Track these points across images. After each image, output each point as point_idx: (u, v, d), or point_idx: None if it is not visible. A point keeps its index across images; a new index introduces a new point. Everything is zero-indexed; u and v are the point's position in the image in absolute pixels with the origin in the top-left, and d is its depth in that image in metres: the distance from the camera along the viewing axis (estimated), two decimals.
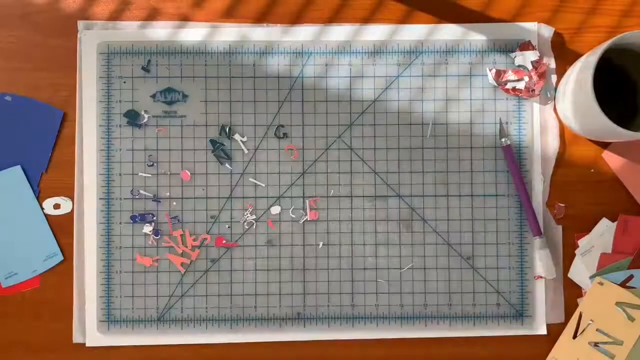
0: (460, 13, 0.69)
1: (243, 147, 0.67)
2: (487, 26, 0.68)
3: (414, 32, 0.68)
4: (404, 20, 0.68)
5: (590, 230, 0.67)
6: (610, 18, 0.69)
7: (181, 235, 0.67)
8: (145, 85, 0.67)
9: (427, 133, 0.67)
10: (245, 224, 0.67)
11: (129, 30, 0.68)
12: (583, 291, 0.67)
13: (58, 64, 0.67)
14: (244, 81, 0.67)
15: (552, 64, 0.68)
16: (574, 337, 0.65)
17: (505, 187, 0.68)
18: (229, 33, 0.68)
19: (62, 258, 0.67)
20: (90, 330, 0.66)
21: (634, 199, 0.68)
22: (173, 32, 0.68)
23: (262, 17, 0.68)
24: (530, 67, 0.67)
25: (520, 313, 0.67)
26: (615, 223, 0.67)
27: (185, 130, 0.67)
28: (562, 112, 0.66)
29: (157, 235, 0.67)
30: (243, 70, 0.67)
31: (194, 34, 0.68)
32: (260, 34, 0.68)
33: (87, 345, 0.66)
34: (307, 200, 0.67)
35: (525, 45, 0.68)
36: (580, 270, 0.67)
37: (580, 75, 0.61)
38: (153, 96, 0.67)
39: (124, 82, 0.67)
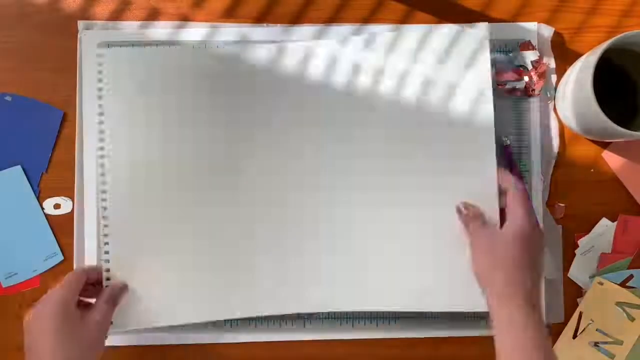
0: (460, 13, 0.69)
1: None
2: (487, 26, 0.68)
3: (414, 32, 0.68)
4: (404, 20, 0.68)
5: (590, 230, 0.67)
6: (610, 18, 0.69)
7: None
8: None
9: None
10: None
11: (129, 30, 0.68)
12: (583, 291, 0.67)
13: (58, 64, 0.67)
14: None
15: (552, 64, 0.68)
16: (574, 337, 0.65)
17: None
18: (229, 33, 0.68)
19: (62, 258, 0.67)
20: None
21: (634, 199, 0.68)
22: (173, 32, 0.68)
23: (262, 17, 0.68)
24: (530, 67, 0.67)
25: None
26: (615, 223, 0.67)
27: None
28: (562, 112, 0.66)
29: None
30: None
31: (194, 34, 0.68)
32: (260, 34, 0.68)
33: None
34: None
35: (525, 45, 0.68)
36: (580, 270, 0.67)
37: (580, 75, 0.61)
38: None
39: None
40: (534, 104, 0.68)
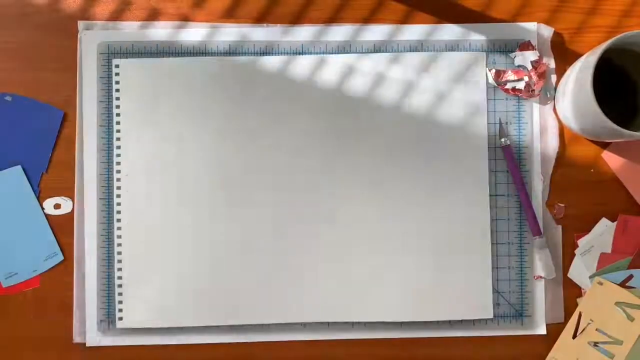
0: (460, 13, 0.69)
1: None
2: (487, 26, 0.68)
3: (414, 32, 0.68)
4: (404, 20, 0.68)
5: (590, 230, 0.67)
6: (610, 18, 0.69)
7: None
8: None
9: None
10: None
11: (129, 30, 0.68)
12: (583, 291, 0.67)
13: (58, 64, 0.67)
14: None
15: (552, 64, 0.68)
16: (574, 337, 0.65)
17: (505, 187, 0.68)
18: (229, 33, 0.68)
19: (62, 258, 0.67)
20: (90, 330, 0.66)
21: (634, 199, 0.68)
22: (173, 32, 0.68)
23: (262, 18, 0.68)
24: (530, 67, 0.67)
25: (520, 313, 0.67)
26: (615, 223, 0.67)
27: None
28: (562, 112, 0.66)
29: None
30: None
31: (194, 34, 0.68)
32: (260, 34, 0.68)
33: (87, 345, 0.67)
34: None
35: (525, 45, 0.68)
36: (580, 270, 0.67)
37: (580, 75, 0.61)
38: None
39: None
40: (534, 104, 0.68)
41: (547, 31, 0.68)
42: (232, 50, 0.68)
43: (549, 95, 0.68)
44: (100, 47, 0.67)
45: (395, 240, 0.67)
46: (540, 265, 0.67)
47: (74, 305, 0.67)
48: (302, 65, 0.67)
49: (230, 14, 0.68)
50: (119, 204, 0.66)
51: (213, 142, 0.67)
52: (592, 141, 0.68)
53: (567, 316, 0.67)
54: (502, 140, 0.67)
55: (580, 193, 0.68)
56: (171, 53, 0.68)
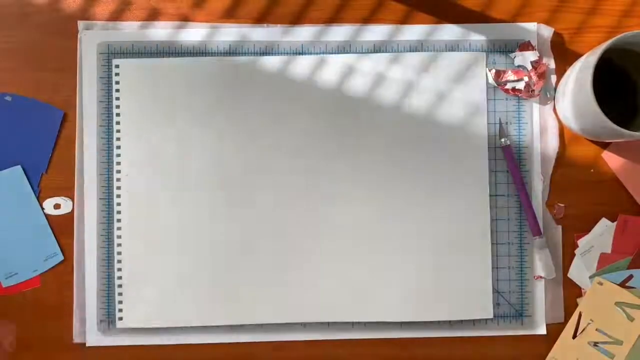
0: (460, 13, 0.69)
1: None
2: (487, 26, 0.68)
3: (414, 32, 0.68)
4: (404, 20, 0.68)
5: (590, 230, 0.67)
6: (610, 18, 0.69)
7: None
8: None
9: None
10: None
11: (129, 30, 0.68)
12: (583, 291, 0.67)
13: (58, 64, 0.68)
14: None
15: (552, 64, 0.68)
16: (574, 337, 0.65)
17: (505, 187, 0.68)
18: (229, 33, 0.68)
19: (62, 258, 0.67)
20: (90, 330, 0.66)
21: (634, 199, 0.68)
22: (173, 32, 0.68)
23: (262, 18, 0.68)
24: (530, 67, 0.67)
25: (520, 313, 0.67)
26: (615, 223, 0.67)
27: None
28: (562, 112, 0.66)
29: None
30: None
31: (194, 34, 0.68)
32: (260, 34, 0.68)
33: (87, 345, 0.67)
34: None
35: (525, 46, 0.68)
36: (580, 270, 0.67)
37: (580, 75, 0.61)
38: None
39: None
40: (534, 104, 0.68)
41: (547, 31, 0.68)
42: (232, 50, 0.68)
43: (549, 96, 0.68)
44: (100, 47, 0.67)
45: (395, 240, 0.67)
46: (540, 265, 0.67)
47: (74, 305, 0.67)
48: (302, 65, 0.67)
49: (230, 14, 0.68)
50: (119, 204, 0.66)
51: (213, 142, 0.67)
52: (592, 141, 0.68)
53: (567, 316, 0.67)
54: (502, 140, 0.67)
55: (580, 193, 0.68)
56: (171, 53, 0.68)
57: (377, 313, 0.66)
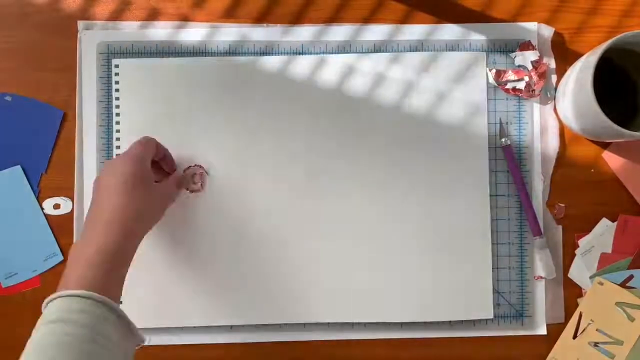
0: (460, 13, 0.69)
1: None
2: (487, 26, 0.68)
3: (414, 32, 0.68)
4: (404, 20, 0.68)
5: (590, 230, 0.67)
6: (610, 18, 0.69)
7: None
8: None
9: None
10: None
11: (129, 30, 0.68)
12: (583, 291, 0.67)
13: (58, 64, 0.67)
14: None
15: (552, 64, 0.68)
16: (574, 337, 0.65)
17: (505, 187, 0.68)
18: (229, 33, 0.68)
19: (62, 258, 0.67)
20: None
21: (634, 199, 0.68)
22: (173, 32, 0.68)
23: (262, 17, 0.68)
24: (530, 67, 0.67)
25: (520, 313, 0.67)
26: (615, 223, 0.67)
27: None
28: (562, 112, 0.66)
29: None
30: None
31: (194, 34, 0.68)
32: (260, 34, 0.68)
33: None
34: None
35: (525, 45, 0.68)
36: (580, 270, 0.67)
37: (580, 75, 0.61)
38: None
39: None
40: (534, 104, 0.68)
41: (548, 31, 0.68)
42: (232, 50, 0.68)
43: (549, 95, 0.68)
44: (100, 47, 0.67)
45: (395, 240, 0.66)
46: (541, 265, 0.67)
47: None
48: (302, 65, 0.67)
49: (230, 14, 0.68)
50: None
51: (212, 141, 0.67)
52: (592, 141, 0.68)
53: (568, 316, 0.67)
54: (503, 140, 0.67)
55: (580, 193, 0.68)
56: (171, 53, 0.68)
57: (377, 313, 0.66)
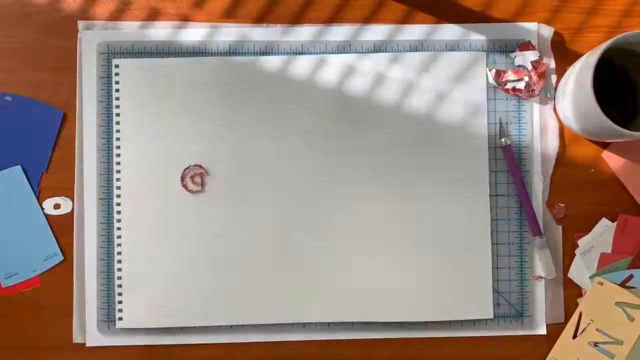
0: (460, 13, 0.69)
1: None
2: (487, 26, 0.68)
3: (414, 31, 0.68)
4: (404, 20, 0.68)
5: (590, 230, 0.67)
6: (610, 18, 0.69)
7: None
8: None
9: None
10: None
11: (129, 30, 0.68)
12: (583, 291, 0.67)
13: (58, 64, 0.67)
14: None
15: (552, 64, 0.68)
16: (574, 337, 0.65)
17: (505, 187, 0.68)
18: (229, 33, 0.68)
19: (62, 258, 0.67)
20: (90, 330, 0.66)
21: (634, 199, 0.68)
22: (173, 32, 0.68)
23: (262, 18, 0.68)
24: (530, 67, 0.67)
25: (520, 313, 0.67)
26: (615, 223, 0.67)
27: None
28: (562, 112, 0.66)
29: None
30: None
31: (194, 34, 0.68)
32: (260, 34, 0.68)
33: (87, 345, 0.67)
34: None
35: (525, 45, 0.68)
36: (580, 270, 0.67)
37: (580, 75, 0.61)
38: None
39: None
40: (534, 104, 0.68)
41: (548, 31, 0.68)
42: (232, 50, 0.68)
43: (549, 95, 0.68)
44: (100, 47, 0.67)
45: (395, 240, 0.67)
46: (541, 265, 0.67)
47: (74, 305, 0.67)
48: (302, 65, 0.67)
49: (230, 14, 0.68)
50: (118, 204, 0.66)
51: (212, 141, 0.67)
52: (592, 141, 0.68)
53: (568, 316, 0.67)
54: (502, 140, 0.67)
55: (580, 193, 0.68)
56: (171, 53, 0.68)
57: (377, 313, 0.66)
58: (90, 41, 0.67)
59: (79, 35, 0.68)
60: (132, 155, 0.67)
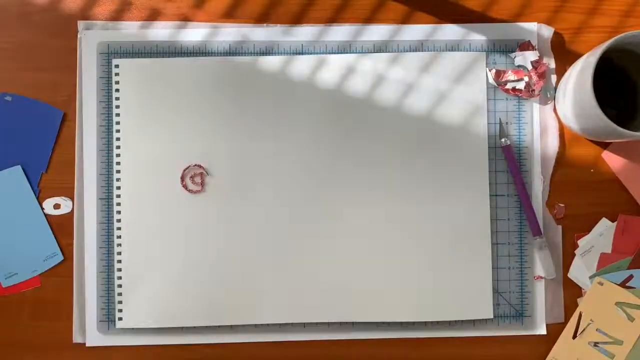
0: (460, 13, 0.69)
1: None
2: (487, 26, 0.68)
3: (414, 32, 0.68)
4: (404, 20, 0.68)
5: (590, 230, 0.67)
6: (610, 18, 0.69)
7: None
8: None
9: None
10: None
11: (129, 30, 0.68)
12: (583, 291, 0.67)
13: (58, 64, 0.67)
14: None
15: (552, 64, 0.68)
16: (574, 337, 0.65)
17: (505, 187, 0.68)
18: (229, 33, 0.68)
19: (62, 258, 0.67)
20: (90, 330, 0.66)
21: (634, 199, 0.68)
22: (173, 32, 0.68)
23: (262, 18, 0.68)
24: (530, 67, 0.67)
25: (520, 313, 0.67)
26: (615, 223, 0.67)
27: None
28: (562, 112, 0.66)
29: None
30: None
31: (194, 34, 0.68)
32: (261, 34, 0.68)
33: (87, 345, 0.67)
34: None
35: (525, 46, 0.68)
36: (580, 270, 0.67)
37: (580, 75, 0.61)
38: None
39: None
40: (534, 104, 0.68)
41: (548, 31, 0.68)
42: (232, 50, 0.68)
43: (549, 96, 0.68)
44: (100, 47, 0.67)
45: (395, 240, 0.67)
46: (541, 265, 0.67)
47: (73, 305, 0.67)
48: (302, 66, 0.67)
49: (230, 14, 0.68)
50: (118, 204, 0.66)
51: (212, 141, 0.67)
52: (592, 141, 0.68)
53: (567, 316, 0.67)
54: (502, 140, 0.67)
55: (580, 193, 0.68)
56: (171, 53, 0.68)
57: (377, 313, 0.66)
58: (90, 41, 0.67)
59: (79, 35, 0.68)
60: (132, 155, 0.67)
